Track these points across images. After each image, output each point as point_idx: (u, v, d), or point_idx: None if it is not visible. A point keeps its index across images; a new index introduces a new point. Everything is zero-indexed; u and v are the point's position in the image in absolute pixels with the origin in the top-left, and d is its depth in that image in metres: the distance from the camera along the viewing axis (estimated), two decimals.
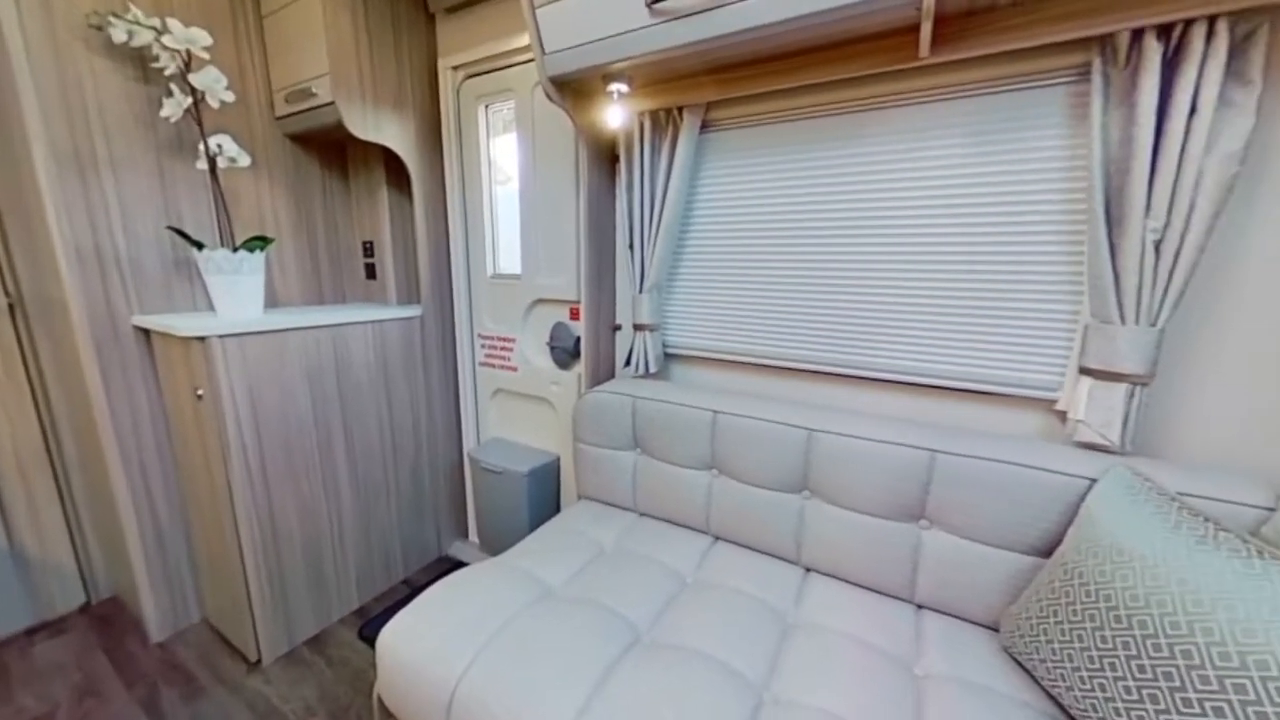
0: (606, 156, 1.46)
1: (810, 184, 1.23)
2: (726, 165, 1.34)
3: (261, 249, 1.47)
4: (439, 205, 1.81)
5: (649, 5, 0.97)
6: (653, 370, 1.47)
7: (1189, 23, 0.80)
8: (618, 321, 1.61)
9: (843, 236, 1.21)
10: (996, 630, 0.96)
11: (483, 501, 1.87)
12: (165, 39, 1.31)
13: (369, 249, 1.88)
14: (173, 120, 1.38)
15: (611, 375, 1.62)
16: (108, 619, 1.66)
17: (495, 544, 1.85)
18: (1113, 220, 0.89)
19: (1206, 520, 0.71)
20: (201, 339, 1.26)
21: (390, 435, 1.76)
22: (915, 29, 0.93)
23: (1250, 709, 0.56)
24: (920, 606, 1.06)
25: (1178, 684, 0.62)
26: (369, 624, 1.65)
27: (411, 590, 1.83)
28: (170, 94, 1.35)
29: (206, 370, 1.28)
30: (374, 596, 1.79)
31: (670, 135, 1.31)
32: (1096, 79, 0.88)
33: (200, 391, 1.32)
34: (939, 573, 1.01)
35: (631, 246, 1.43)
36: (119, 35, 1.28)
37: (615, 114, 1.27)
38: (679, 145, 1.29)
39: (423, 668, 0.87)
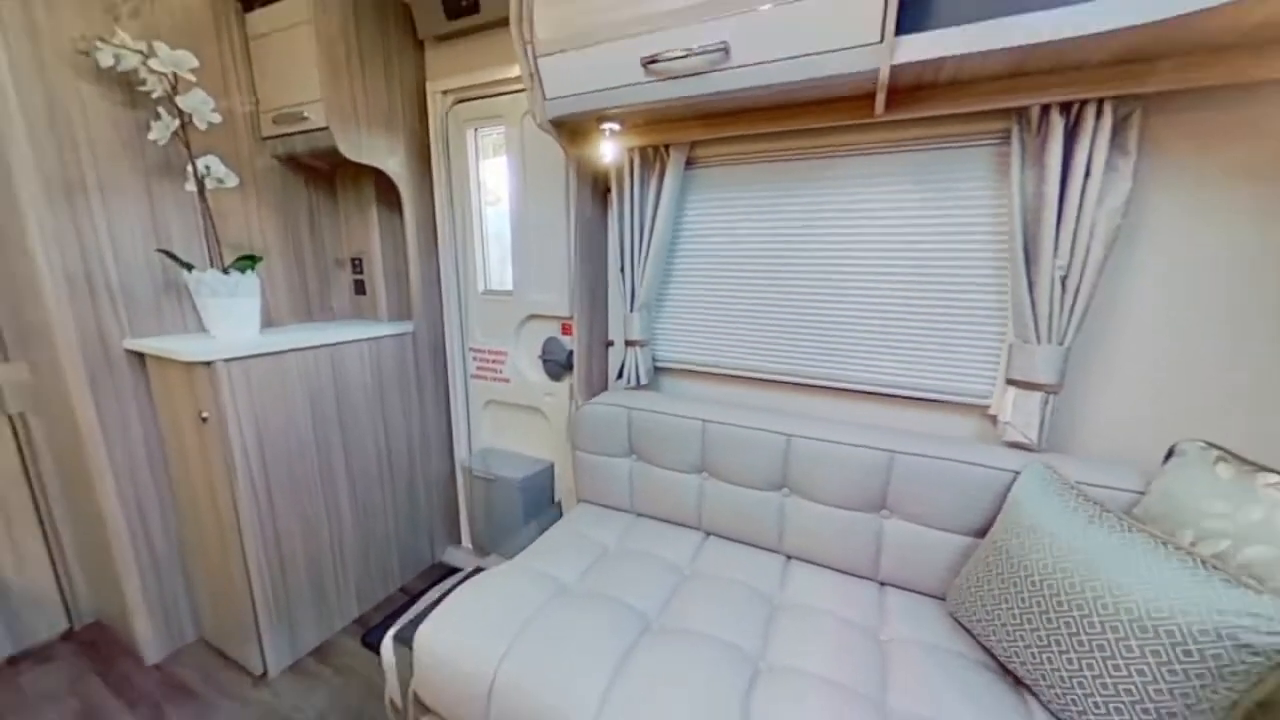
0: (597, 184, 1.57)
1: (784, 217, 1.39)
2: (709, 198, 1.47)
3: (251, 268, 1.49)
4: (429, 223, 1.86)
5: (644, 65, 1.09)
6: (643, 382, 1.59)
7: (1084, 102, 1.00)
8: (610, 337, 1.72)
9: (812, 264, 1.37)
10: (944, 599, 1.15)
11: (478, 508, 1.95)
12: (152, 62, 1.32)
13: (358, 265, 1.91)
14: (161, 143, 1.39)
15: (604, 387, 1.73)
16: (94, 644, 1.64)
17: (490, 548, 1.93)
18: (1029, 259, 1.09)
19: (1094, 503, 0.91)
20: (207, 364, 1.29)
21: (387, 453, 1.81)
22: (873, 94, 1.10)
23: (1120, 644, 0.76)
24: (883, 584, 1.24)
25: (1074, 630, 0.81)
26: (371, 632, 1.71)
27: (409, 597, 1.89)
28: (158, 117, 1.36)
29: (213, 394, 1.30)
30: (373, 606, 1.84)
31: (658, 170, 1.44)
32: (1015, 143, 1.07)
33: (205, 414, 1.34)
34: (898, 554, 1.20)
35: (623, 270, 1.54)
36: (106, 60, 1.28)
37: (608, 149, 1.38)
38: (666, 179, 1.42)
39: (461, 661, 0.97)
